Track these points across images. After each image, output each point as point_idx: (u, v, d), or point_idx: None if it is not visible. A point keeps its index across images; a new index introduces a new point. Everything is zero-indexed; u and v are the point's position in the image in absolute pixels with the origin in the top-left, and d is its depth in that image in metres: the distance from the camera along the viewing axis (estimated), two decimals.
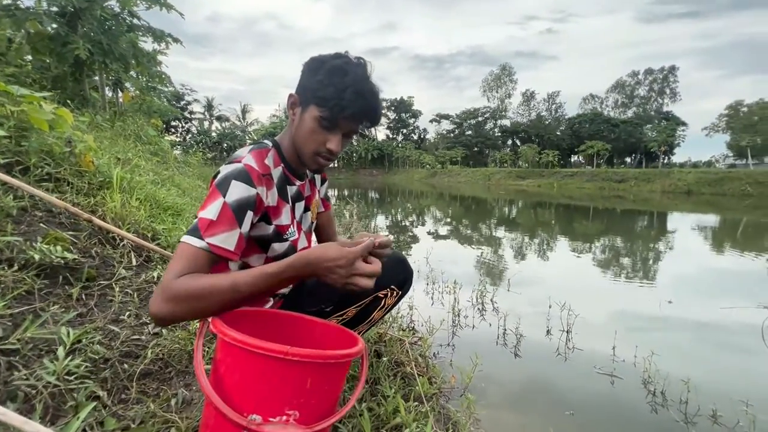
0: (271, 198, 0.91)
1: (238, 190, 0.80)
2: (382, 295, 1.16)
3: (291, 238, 0.99)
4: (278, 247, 0.96)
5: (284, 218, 0.97)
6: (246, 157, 0.86)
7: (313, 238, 1.22)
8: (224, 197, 0.79)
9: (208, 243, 0.76)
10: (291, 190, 1.00)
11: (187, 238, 0.76)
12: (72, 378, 0.98)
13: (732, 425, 1.55)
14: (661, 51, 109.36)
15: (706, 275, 4.34)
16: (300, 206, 1.05)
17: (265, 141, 0.97)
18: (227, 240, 0.78)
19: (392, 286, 1.16)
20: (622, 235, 7.38)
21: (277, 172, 0.94)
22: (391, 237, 0.91)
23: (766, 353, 1.74)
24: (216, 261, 0.78)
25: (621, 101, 62.19)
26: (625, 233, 7.61)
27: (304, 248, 1.06)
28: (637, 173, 27.24)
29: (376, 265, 0.78)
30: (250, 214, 0.82)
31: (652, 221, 9.86)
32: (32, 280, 1.28)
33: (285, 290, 1.14)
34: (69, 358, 1.01)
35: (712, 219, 10.46)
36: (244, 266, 0.97)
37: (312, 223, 1.13)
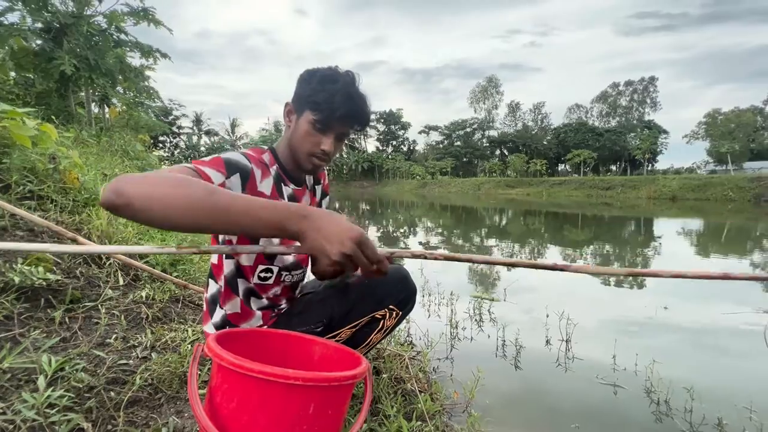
0: (266, 185, 0.95)
1: (234, 155, 0.88)
2: (380, 316, 1.08)
3: None
4: (269, 240, 0.94)
5: None
6: (245, 150, 0.96)
7: None
8: (220, 154, 0.86)
9: (195, 166, 0.77)
10: (286, 191, 1.02)
11: (178, 165, 0.77)
12: (53, 411, 0.91)
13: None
14: (640, 62, 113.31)
15: (696, 280, 4.39)
16: None
17: (262, 146, 1.02)
18: (214, 175, 0.79)
19: (391, 306, 1.07)
20: (612, 241, 7.46)
21: (272, 170, 0.99)
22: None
23: (767, 356, 1.73)
24: None
25: (605, 111, 63.84)
26: (615, 239, 7.69)
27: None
28: (624, 180, 27.81)
29: (384, 263, 0.68)
30: (237, 180, 0.85)
31: (640, 227, 10.01)
32: (11, 304, 1.21)
33: (283, 305, 1.10)
34: (51, 388, 0.94)
35: (697, 224, 10.67)
36: (237, 266, 0.98)
37: None
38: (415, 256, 0.75)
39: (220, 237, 0.96)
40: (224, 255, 0.98)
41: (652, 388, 1.81)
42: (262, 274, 1.01)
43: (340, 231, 0.63)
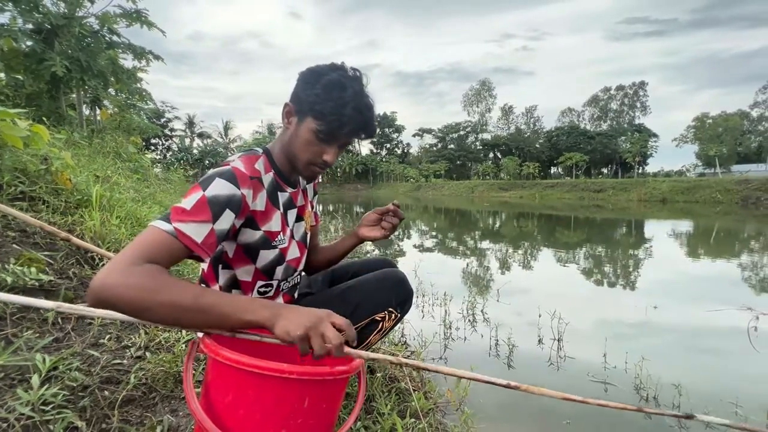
0: (259, 202, 0.88)
1: (220, 187, 0.77)
2: (380, 318, 1.11)
3: (280, 246, 0.95)
4: (266, 254, 0.93)
5: (274, 224, 0.93)
6: (235, 161, 0.85)
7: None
8: (204, 191, 0.76)
9: (174, 228, 0.70)
10: (282, 196, 0.98)
11: (155, 222, 0.71)
12: (48, 408, 0.91)
13: (724, 428, 1.56)
14: (630, 67, 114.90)
15: (685, 280, 4.46)
16: (292, 214, 1.02)
17: (256, 148, 0.96)
18: (196, 231, 0.72)
19: (391, 309, 1.11)
20: (604, 243, 7.55)
21: (267, 178, 0.92)
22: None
23: (752, 354, 1.78)
24: (182, 252, 0.72)
25: (596, 115, 64.67)
26: (607, 241, 7.79)
27: (295, 258, 1.02)
28: (615, 183, 28.14)
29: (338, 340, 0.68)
30: (229, 214, 0.78)
31: (632, 229, 10.15)
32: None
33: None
34: (45, 386, 0.94)
35: (687, 225, 10.84)
36: (233, 279, 0.94)
37: (305, 233, 1.09)
38: (379, 358, 0.77)
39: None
40: (218, 265, 0.93)
41: (642, 385, 1.85)
42: (261, 289, 0.98)
43: (304, 317, 0.67)
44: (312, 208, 1.17)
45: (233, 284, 0.95)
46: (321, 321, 0.67)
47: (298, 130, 0.89)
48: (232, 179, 0.79)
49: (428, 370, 0.81)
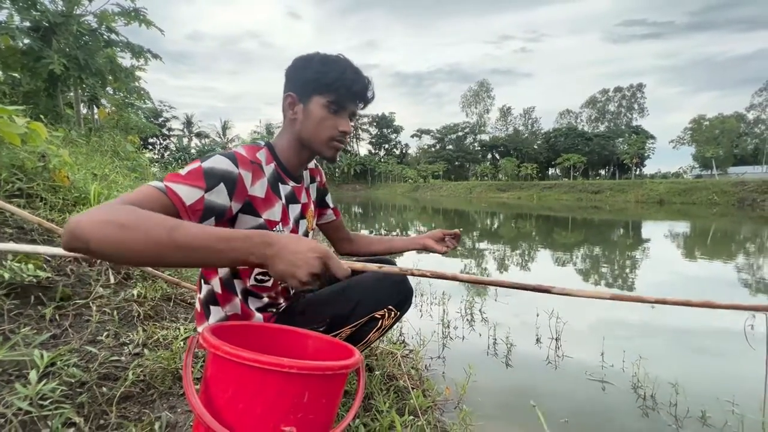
0: (259, 187, 0.88)
1: (218, 161, 0.79)
2: (379, 316, 1.11)
3: None
4: None
5: (276, 213, 0.94)
6: (237, 147, 0.90)
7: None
8: (201, 163, 0.77)
9: (165, 185, 0.71)
10: (284, 189, 0.98)
11: (150, 182, 0.72)
12: (46, 403, 0.91)
13: (720, 426, 1.57)
14: (628, 68, 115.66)
15: (682, 280, 4.48)
16: (295, 209, 1.03)
17: (258, 141, 0.97)
18: (187, 193, 0.72)
19: (390, 307, 1.12)
20: (601, 243, 7.58)
21: (269, 168, 0.94)
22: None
23: (749, 353, 1.78)
24: (168, 209, 0.70)
25: (594, 116, 64.91)
26: (605, 242, 7.81)
27: None
28: (612, 184, 28.25)
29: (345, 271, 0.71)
30: (223, 189, 0.78)
31: (629, 230, 10.18)
32: (1, 300, 1.20)
33: (282, 303, 1.10)
34: (43, 382, 0.94)
35: (684, 227, 10.88)
36: (233, 268, 0.95)
37: (307, 233, 1.10)
38: (382, 268, 0.80)
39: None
40: None
41: (639, 384, 1.85)
42: (259, 277, 0.99)
43: (305, 252, 0.65)
44: (315, 207, 1.17)
45: (233, 272, 0.96)
46: (326, 253, 0.68)
47: (307, 113, 0.92)
48: (231, 158, 0.81)
49: (445, 278, 0.85)
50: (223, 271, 0.95)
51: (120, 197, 0.66)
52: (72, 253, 0.60)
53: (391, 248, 1.33)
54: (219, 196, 0.77)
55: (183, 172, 0.75)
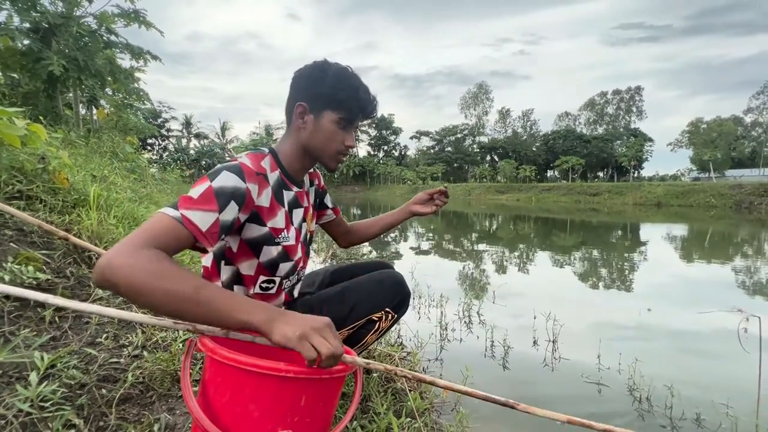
0: (264, 197, 0.90)
1: (226, 179, 0.81)
2: (376, 318, 1.12)
3: (284, 243, 0.96)
4: (270, 250, 0.94)
5: (279, 221, 0.95)
6: (242, 157, 0.89)
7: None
8: (211, 182, 0.79)
9: (182, 215, 0.73)
10: (288, 195, 0.99)
11: (163, 209, 0.74)
12: (47, 405, 0.92)
13: (715, 428, 1.58)
14: (626, 71, 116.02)
15: (680, 283, 4.50)
16: (298, 213, 1.04)
17: (262, 148, 0.98)
18: (202, 219, 0.75)
19: (387, 309, 1.12)
20: (599, 246, 7.60)
21: (273, 176, 0.95)
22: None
23: (743, 356, 1.80)
24: (187, 240, 0.73)
25: (592, 119, 65.11)
26: (603, 244, 7.84)
27: (299, 258, 1.03)
28: (610, 187, 28.34)
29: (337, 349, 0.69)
30: (234, 206, 0.80)
31: (627, 232, 10.22)
32: (1, 302, 1.21)
33: (283, 308, 1.11)
34: (43, 384, 0.95)
35: (681, 229, 10.92)
36: (236, 274, 0.95)
37: (308, 234, 1.11)
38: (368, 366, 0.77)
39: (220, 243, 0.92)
40: (221, 260, 0.94)
41: (635, 386, 1.87)
42: (264, 285, 0.98)
43: (300, 320, 0.68)
44: (313, 209, 1.19)
45: (236, 279, 0.95)
46: (324, 325, 0.69)
47: (317, 125, 0.95)
48: (238, 173, 0.83)
49: (424, 381, 0.82)
50: (224, 277, 0.95)
51: (142, 228, 0.69)
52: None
53: (384, 225, 1.38)
54: (230, 213, 0.80)
55: (194, 195, 0.77)
